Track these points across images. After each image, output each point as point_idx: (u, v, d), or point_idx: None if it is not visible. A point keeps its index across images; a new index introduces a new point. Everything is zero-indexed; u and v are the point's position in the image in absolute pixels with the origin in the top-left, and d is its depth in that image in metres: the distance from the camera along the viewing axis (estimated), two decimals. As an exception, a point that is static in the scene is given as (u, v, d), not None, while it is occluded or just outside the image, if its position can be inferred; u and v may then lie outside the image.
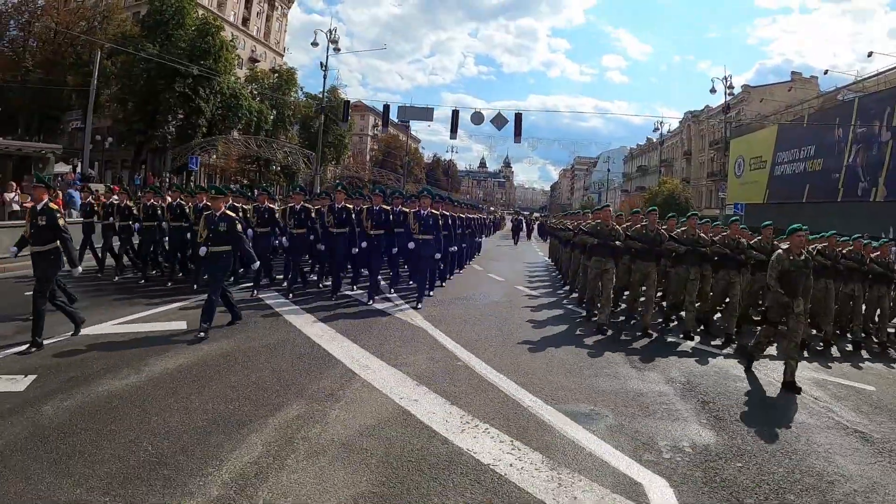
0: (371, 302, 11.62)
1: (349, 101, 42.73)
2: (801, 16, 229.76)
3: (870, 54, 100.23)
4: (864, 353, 10.71)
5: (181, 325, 8.96)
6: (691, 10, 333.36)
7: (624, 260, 11.23)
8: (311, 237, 12.53)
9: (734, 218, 11.92)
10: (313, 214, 12.44)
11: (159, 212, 13.04)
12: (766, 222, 11.02)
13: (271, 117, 48.14)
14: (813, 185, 41.87)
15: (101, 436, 4.78)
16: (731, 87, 44.01)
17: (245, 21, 64.99)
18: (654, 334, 10.25)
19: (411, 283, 13.86)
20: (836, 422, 6.35)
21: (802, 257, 7.92)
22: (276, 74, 56.37)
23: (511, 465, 4.71)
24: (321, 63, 38.04)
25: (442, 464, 4.70)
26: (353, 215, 12.09)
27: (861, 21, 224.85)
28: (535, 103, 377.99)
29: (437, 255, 12.35)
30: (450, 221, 13.61)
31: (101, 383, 6.05)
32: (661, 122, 57.65)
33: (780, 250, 8.05)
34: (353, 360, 7.39)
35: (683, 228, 11.02)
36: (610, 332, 10.12)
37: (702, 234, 10.78)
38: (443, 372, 7.26)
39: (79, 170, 33.84)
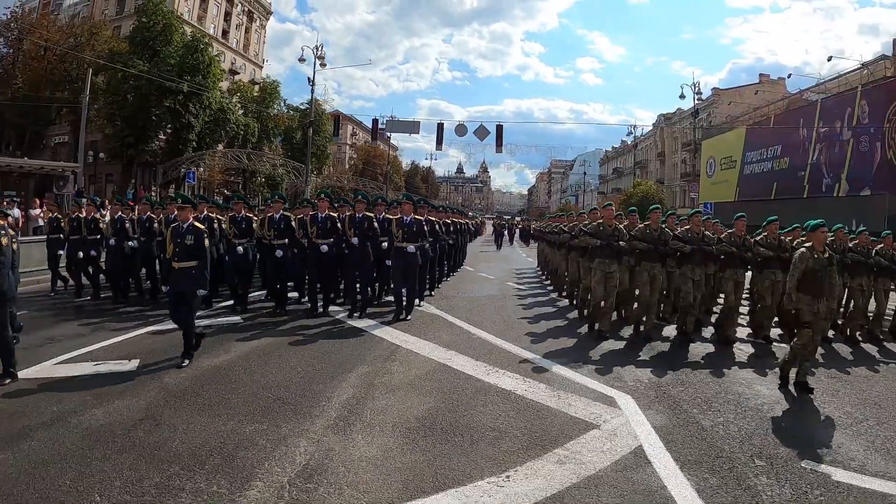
0: (357, 315, 11.31)
1: (339, 116, 44.99)
2: (772, 15, 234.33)
3: (829, 58, 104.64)
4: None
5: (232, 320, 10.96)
6: (664, 12, 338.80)
7: (627, 262, 10.81)
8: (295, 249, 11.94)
9: (695, 210, 11.87)
10: (293, 223, 11.86)
11: (156, 225, 12.50)
12: (739, 213, 11.05)
13: (257, 130, 49.72)
14: (780, 182, 44.72)
15: (231, 390, 6.96)
16: (699, 92, 46.61)
17: (225, 34, 66.76)
18: (651, 337, 10.21)
19: (389, 297, 12.94)
20: (770, 372, 8.41)
21: (826, 255, 7.75)
22: (258, 87, 58.29)
23: (525, 390, 7.02)
24: (309, 78, 40.16)
25: (479, 391, 7.00)
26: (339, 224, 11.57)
27: (831, 18, 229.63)
28: (511, 107, 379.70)
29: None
30: (436, 227, 13.36)
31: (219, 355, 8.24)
32: (634, 126, 60.08)
33: (803, 248, 7.78)
34: (394, 338, 9.61)
35: (687, 227, 10.76)
36: (608, 338, 10.01)
37: (707, 232, 10.63)
38: (463, 342, 9.60)
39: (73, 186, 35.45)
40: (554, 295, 15.78)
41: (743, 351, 9.62)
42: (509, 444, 5.42)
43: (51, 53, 40.95)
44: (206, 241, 7.90)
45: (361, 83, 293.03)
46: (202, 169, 44.68)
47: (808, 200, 39.93)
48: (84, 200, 13.54)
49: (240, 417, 5.85)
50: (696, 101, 48.12)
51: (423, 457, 5.09)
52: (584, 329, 11.02)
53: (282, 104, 56.87)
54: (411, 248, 11.18)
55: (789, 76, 52.98)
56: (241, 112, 48.45)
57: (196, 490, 4.32)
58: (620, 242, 10.25)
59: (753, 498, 4.51)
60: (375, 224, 11.70)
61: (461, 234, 20.35)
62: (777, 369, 7.94)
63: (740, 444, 5.53)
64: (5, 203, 11.07)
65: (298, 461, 4.89)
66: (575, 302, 13.35)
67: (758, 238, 10.70)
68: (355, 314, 11.36)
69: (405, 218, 11.35)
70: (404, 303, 11.39)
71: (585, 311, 11.73)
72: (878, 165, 35.68)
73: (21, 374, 6.87)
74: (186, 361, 7.63)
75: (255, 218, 12.57)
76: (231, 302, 12.14)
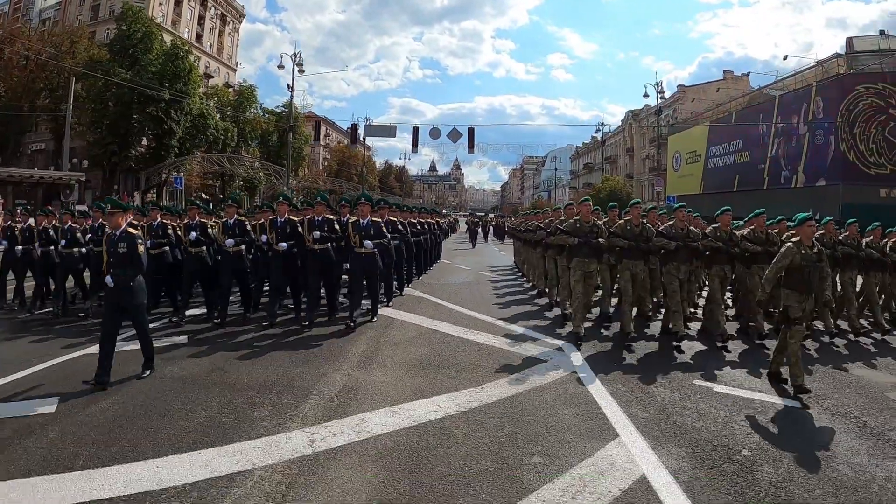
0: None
1: (319, 122, 47.19)
2: (741, 9, 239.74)
3: (785, 57, 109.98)
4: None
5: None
6: (634, 8, 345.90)
7: (607, 259, 10.96)
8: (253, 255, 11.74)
9: (679, 204, 11.09)
10: (249, 228, 11.32)
11: (170, 231, 11.83)
12: (724, 207, 10.60)
13: (235, 134, 51.36)
14: (742, 175, 47.75)
15: (270, 352, 9.28)
16: (662, 91, 49.29)
17: (199, 37, 68.24)
18: (633, 334, 10.17)
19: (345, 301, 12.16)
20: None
21: (815, 250, 7.55)
22: (231, 90, 60.01)
23: (494, 342, 9.63)
24: (288, 85, 42.49)
25: (459, 343, 9.55)
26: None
27: (800, 12, 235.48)
28: (482, 104, 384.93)
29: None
30: (399, 227, 13.20)
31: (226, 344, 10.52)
32: (602, 124, 63.01)
33: (790, 243, 7.56)
34: (389, 314, 11.99)
35: (671, 222, 10.44)
36: (582, 341, 9.71)
37: (692, 228, 10.33)
38: (445, 314, 12.22)
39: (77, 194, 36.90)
40: (523, 281, 18.22)
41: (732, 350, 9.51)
42: (482, 372, 7.89)
43: (32, 62, 42.37)
44: (141, 249, 7.45)
45: (333, 83, 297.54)
46: (182, 174, 46.30)
47: (768, 192, 42.87)
48: (50, 209, 13.12)
49: (287, 366, 8.12)
50: (661, 99, 50.74)
51: (423, 380, 7.52)
52: (544, 301, 13.86)
53: (258, 108, 58.64)
54: (368, 244, 10.66)
55: (748, 74, 55.19)
56: (218, 117, 50.07)
57: (272, 403, 6.56)
58: (599, 240, 9.92)
59: (649, 397, 6.94)
60: (337, 227, 11.24)
61: (431, 234, 20.04)
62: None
63: (648, 369, 8.03)
64: (19, 212, 12.46)
65: (338, 384, 7.26)
66: (556, 300, 13.09)
67: (744, 232, 10.54)
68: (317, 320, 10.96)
69: (362, 221, 10.85)
70: (363, 307, 11.27)
71: (567, 310, 11.56)
72: (832, 157, 38.67)
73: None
74: (147, 372, 7.51)
75: (213, 224, 11.71)
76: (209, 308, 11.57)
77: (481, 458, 5.20)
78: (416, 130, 40.23)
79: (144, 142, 45.46)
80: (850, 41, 44.26)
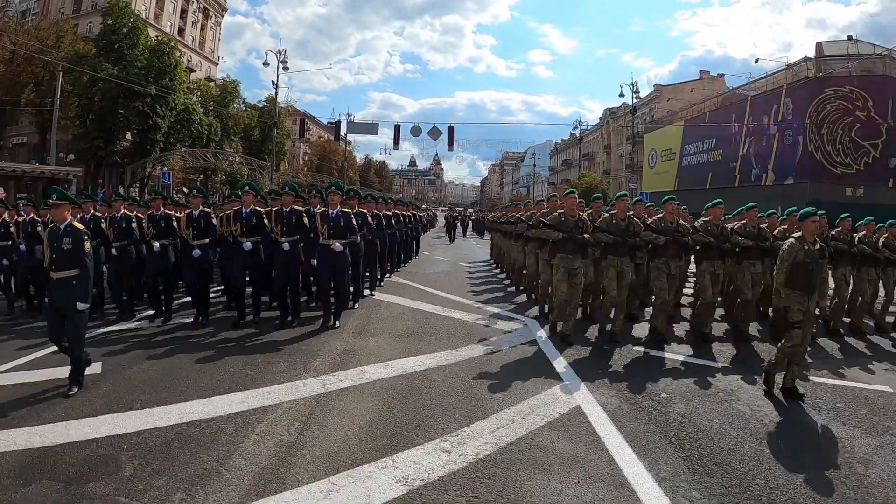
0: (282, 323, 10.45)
1: (304, 119, 48.68)
2: (721, 8, 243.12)
3: (756, 61, 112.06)
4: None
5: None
6: (615, 5, 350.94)
7: (591, 253, 10.26)
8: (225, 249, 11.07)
9: (668, 196, 10.35)
10: (214, 221, 10.61)
11: (134, 224, 10.89)
12: (716, 200, 10.36)
13: (219, 129, 52.25)
14: (714, 173, 49.80)
15: (273, 331, 10.86)
16: (637, 91, 51.06)
17: (181, 31, 69.14)
18: (619, 340, 9.70)
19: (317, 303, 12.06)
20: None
21: (818, 247, 7.25)
22: (213, 84, 60.93)
23: (468, 318, 11.37)
24: (273, 82, 44.00)
25: (439, 319, 11.27)
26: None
27: (779, 12, 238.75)
28: (463, 99, 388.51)
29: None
30: (370, 220, 12.53)
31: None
32: (580, 122, 64.88)
33: (792, 239, 7.26)
34: (376, 297, 13.61)
35: (660, 216, 10.14)
36: (573, 343, 9.46)
37: (682, 222, 10.03)
38: (426, 296, 13.94)
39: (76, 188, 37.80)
40: (497, 271, 19.84)
41: (723, 352, 9.39)
42: (457, 339, 9.63)
43: (19, 57, 43.13)
44: (88, 245, 6.99)
45: (313, 77, 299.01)
46: (166, 168, 47.05)
47: (740, 189, 44.84)
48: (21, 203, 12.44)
49: (293, 338, 9.67)
50: (636, 99, 52.49)
51: (409, 344, 9.21)
52: (513, 289, 15.43)
53: (241, 103, 59.52)
54: (338, 245, 10.02)
55: (721, 76, 57.31)
56: (202, 111, 50.95)
57: (287, 361, 8.14)
58: (584, 235, 9.53)
59: (604, 359, 8.62)
60: (305, 219, 10.65)
61: (409, 227, 19.87)
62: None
63: (600, 340, 9.72)
64: (21, 205, 13.17)
65: (339, 348, 8.89)
66: (534, 296, 13.09)
67: (735, 226, 10.26)
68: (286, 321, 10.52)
69: (331, 211, 10.27)
70: (333, 308, 10.59)
71: (546, 308, 11.50)
72: (800, 157, 40.76)
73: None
74: (75, 389, 6.69)
75: (178, 216, 10.87)
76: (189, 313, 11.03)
77: (455, 394, 6.90)
78: (397, 128, 42.18)
79: (129, 136, 46.33)
80: (819, 46, 46.21)
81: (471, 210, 72.56)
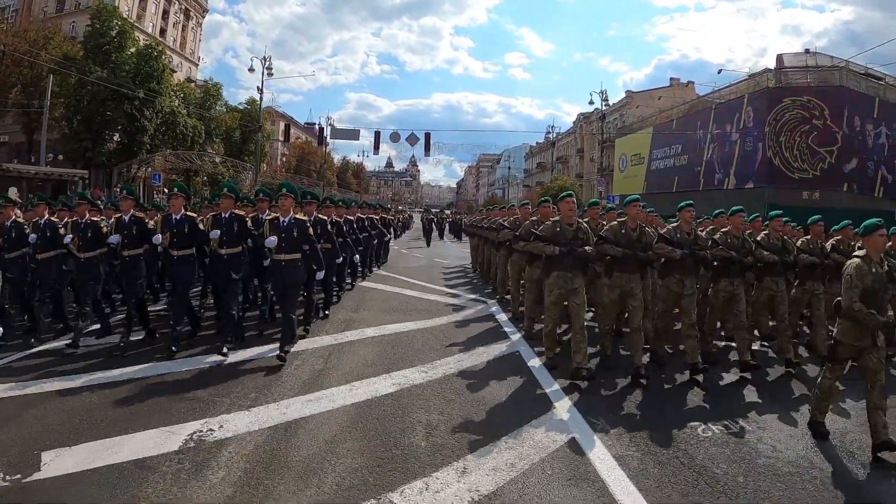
0: (226, 350, 8.82)
1: (289, 125, 51.32)
2: (696, 14, 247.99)
3: (719, 71, 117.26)
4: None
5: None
6: (592, 9, 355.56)
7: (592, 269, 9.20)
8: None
9: (686, 203, 8.76)
10: (151, 226, 9.52)
11: (61, 231, 9.67)
12: (737, 207, 9.32)
13: (202, 131, 53.92)
14: (680, 177, 52.82)
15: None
16: (606, 99, 54.40)
17: (162, 32, 70.40)
18: (645, 381, 7.97)
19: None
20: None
21: (885, 267, 6.41)
22: (194, 84, 62.78)
23: (442, 301, 14.42)
24: (258, 87, 46.87)
25: (418, 301, 14.38)
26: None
27: (755, 18, 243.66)
28: (439, 101, 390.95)
29: (320, 275, 9.78)
30: (329, 228, 10.76)
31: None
32: (553, 126, 68.06)
33: (857, 259, 6.23)
34: (363, 285, 16.53)
35: (675, 224, 8.85)
36: (587, 379, 7.93)
37: (699, 233, 8.87)
38: (406, 285, 17.00)
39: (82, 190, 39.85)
40: (468, 268, 22.46)
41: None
42: (433, 313, 12.65)
43: (8, 58, 44.53)
44: None
45: (289, 77, 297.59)
46: (149, 169, 48.64)
47: (703, 192, 47.57)
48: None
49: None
50: (605, 106, 55.82)
51: (396, 315, 12.17)
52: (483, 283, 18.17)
53: (223, 105, 61.16)
54: (288, 258, 8.81)
55: (689, 83, 60.62)
56: (186, 114, 52.51)
57: (301, 327, 10.82)
58: (587, 248, 8.15)
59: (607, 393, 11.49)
60: (249, 226, 9.51)
61: (373, 230, 17.94)
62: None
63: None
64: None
65: (342, 319, 11.73)
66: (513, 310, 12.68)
67: (758, 238, 9.12)
68: (226, 346, 8.90)
69: (283, 219, 8.82)
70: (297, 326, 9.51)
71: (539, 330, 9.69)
72: (759, 162, 43.66)
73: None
74: None
75: (105, 224, 9.74)
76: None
77: (431, 343, 9.96)
78: (377, 134, 45.07)
79: (117, 137, 47.86)
80: (780, 57, 49.43)
81: (447, 212, 73.31)
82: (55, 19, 57.19)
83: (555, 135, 78.23)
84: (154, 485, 4.87)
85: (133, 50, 47.33)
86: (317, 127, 46.22)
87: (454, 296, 15.25)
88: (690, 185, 50.13)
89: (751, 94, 46.19)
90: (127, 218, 9.22)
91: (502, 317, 12.31)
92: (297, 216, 8.99)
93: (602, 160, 68.07)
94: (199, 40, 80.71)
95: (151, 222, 9.68)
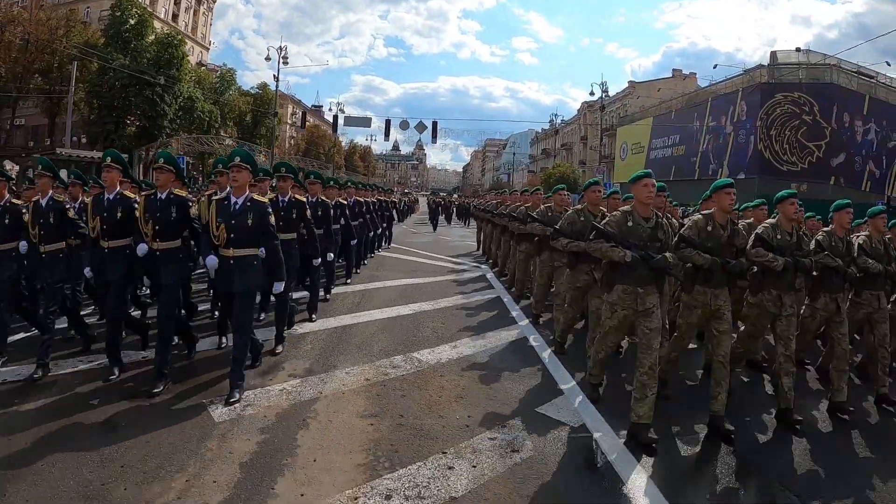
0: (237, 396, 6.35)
1: (305, 112, 54.33)
2: (706, 1, 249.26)
3: (715, 66, 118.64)
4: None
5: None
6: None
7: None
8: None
9: (790, 191, 6.69)
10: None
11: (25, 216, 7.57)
12: (843, 201, 7.56)
13: (218, 116, 56.66)
14: (677, 166, 55.89)
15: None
16: (606, 90, 57.59)
17: (175, 17, 72.91)
18: (669, 395, 6.80)
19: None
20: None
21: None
22: (205, 68, 65.98)
23: (448, 267, 17.95)
24: (274, 75, 49.74)
25: (427, 265, 17.99)
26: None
27: (764, 7, 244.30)
28: (446, 84, 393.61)
29: (317, 261, 9.60)
30: (319, 212, 10.16)
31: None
32: (556, 114, 71.01)
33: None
34: (382, 254, 19.80)
35: (771, 221, 6.74)
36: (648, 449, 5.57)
37: (803, 235, 6.85)
38: (418, 254, 20.47)
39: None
40: (470, 242, 25.75)
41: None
42: (440, 274, 16.14)
43: (32, 46, 47.61)
44: None
45: (296, 59, 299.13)
46: (170, 150, 50.72)
47: (698, 182, 49.94)
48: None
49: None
50: (605, 97, 58.88)
51: (405, 290, 14.90)
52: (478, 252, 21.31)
53: (236, 90, 63.75)
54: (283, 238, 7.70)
55: (692, 75, 63.94)
56: (202, 99, 55.08)
57: (323, 305, 14.14)
58: (666, 254, 5.87)
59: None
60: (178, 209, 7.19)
61: (372, 214, 17.22)
62: None
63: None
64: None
65: (357, 291, 14.62)
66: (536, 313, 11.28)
67: (860, 241, 7.41)
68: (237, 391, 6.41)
69: (235, 199, 6.45)
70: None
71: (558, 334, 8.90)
72: (751, 154, 46.74)
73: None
74: None
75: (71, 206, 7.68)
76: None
77: (439, 291, 13.39)
78: (388, 123, 48.66)
79: (137, 122, 50.46)
80: (773, 54, 51.98)
81: (455, 196, 75.26)
82: (70, 5, 59.42)
83: (559, 122, 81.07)
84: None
85: (153, 38, 50.12)
86: (324, 110, 48.69)
87: (457, 262, 19.19)
88: (687, 174, 53.32)
89: (745, 89, 49.25)
90: (111, 196, 6.98)
91: (496, 283, 15.39)
92: (256, 196, 6.52)
93: (602, 148, 71.36)
94: (210, 24, 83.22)
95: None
